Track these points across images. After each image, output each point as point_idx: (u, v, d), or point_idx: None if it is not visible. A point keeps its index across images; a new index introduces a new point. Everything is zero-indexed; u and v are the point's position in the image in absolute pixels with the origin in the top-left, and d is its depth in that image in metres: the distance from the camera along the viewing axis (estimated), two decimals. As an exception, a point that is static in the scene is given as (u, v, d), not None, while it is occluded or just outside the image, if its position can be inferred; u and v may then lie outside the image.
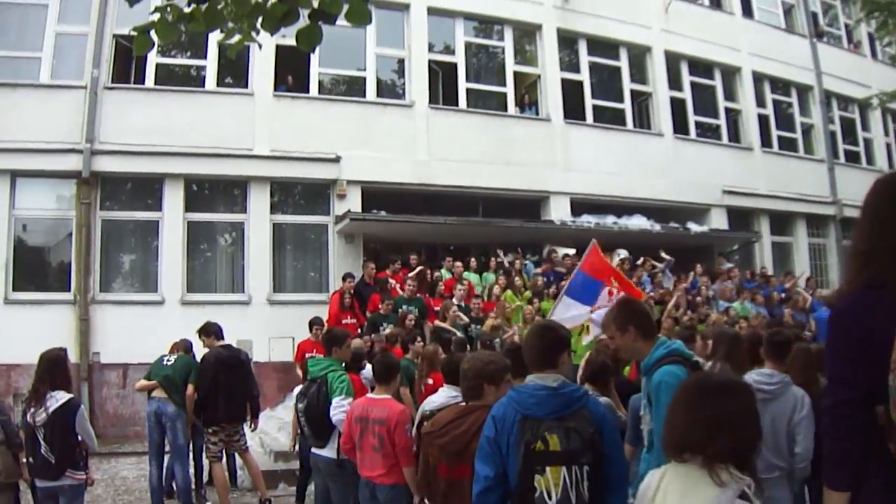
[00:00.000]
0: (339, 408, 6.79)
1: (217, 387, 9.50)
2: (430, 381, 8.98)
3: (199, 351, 10.23)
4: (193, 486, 10.24)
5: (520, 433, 3.81)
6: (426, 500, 5.40)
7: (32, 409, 6.55)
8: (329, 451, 7.04)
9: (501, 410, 3.97)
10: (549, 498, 3.72)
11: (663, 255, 16.98)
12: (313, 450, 7.33)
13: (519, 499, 3.79)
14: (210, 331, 9.96)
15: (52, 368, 6.69)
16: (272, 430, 13.30)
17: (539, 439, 3.75)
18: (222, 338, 10.02)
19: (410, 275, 14.76)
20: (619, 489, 4.01)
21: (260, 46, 4.98)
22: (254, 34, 4.69)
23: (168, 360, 9.91)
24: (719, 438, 2.80)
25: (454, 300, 14.04)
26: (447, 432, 4.79)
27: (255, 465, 10.10)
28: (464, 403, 6.01)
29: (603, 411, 4.13)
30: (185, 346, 10.39)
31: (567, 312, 10.25)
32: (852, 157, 24.57)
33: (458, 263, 15.61)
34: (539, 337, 4.18)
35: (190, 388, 9.67)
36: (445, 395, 6.21)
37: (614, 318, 4.73)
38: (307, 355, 11.27)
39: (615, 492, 3.97)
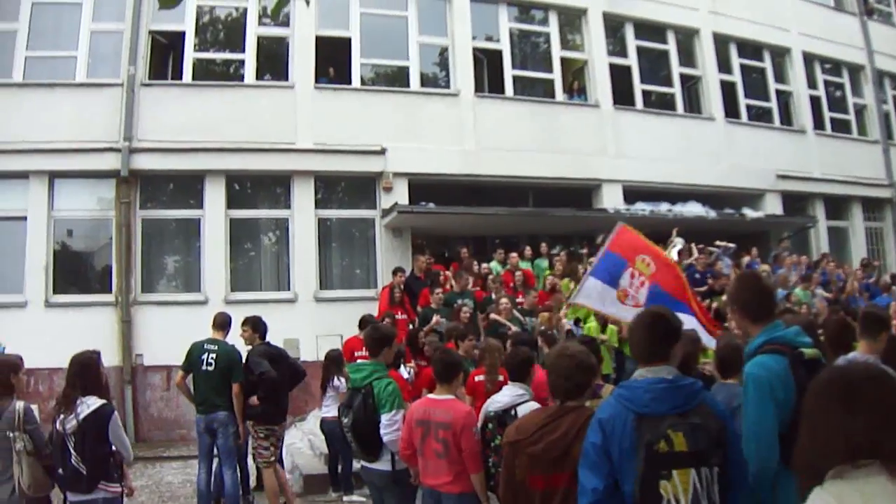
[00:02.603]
0: (391, 425, 6.22)
1: (269, 385, 9.11)
2: (501, 378, 8.50)
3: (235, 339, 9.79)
4: (241, 492, 9.88)
5: (636, 434, 3.32)
6: None
7: (62, 417, 6.09)
8: (383, 465, 6.45)
9: (608, 411, 3.50)
10: None
11: (719, 243, 16.46)
12: (363, 463, 6.73)
13: None
14: (256, 325, 9.61)
15: (83, 372, 6.20)
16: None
17: (662, 439, 3.28)
18: (265, 336, 9.67)
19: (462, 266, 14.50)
20: (744, 490, 3.54)
21: (308, 3, 4.50)
22: None
23: (209, 364, 9.36)
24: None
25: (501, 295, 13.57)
26: (540, 438, 4.15)
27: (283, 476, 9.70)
28: (533, 403, 5.57)
29: (721, 405, 3.68)
30: (221, 323, 9.80)
31: (593, 293, 9.70)
32: (907, 138, 23.84)
33: (514, 254, 15.21)
34: (648, 326, 3.70)
35: (236, 387, 9.20)
36: (511, 394, 5.79)
37: (728, 295, 4.24)
38: (356, 353, 10.95)
39: (741, 495, 3.51)
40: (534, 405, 5.47)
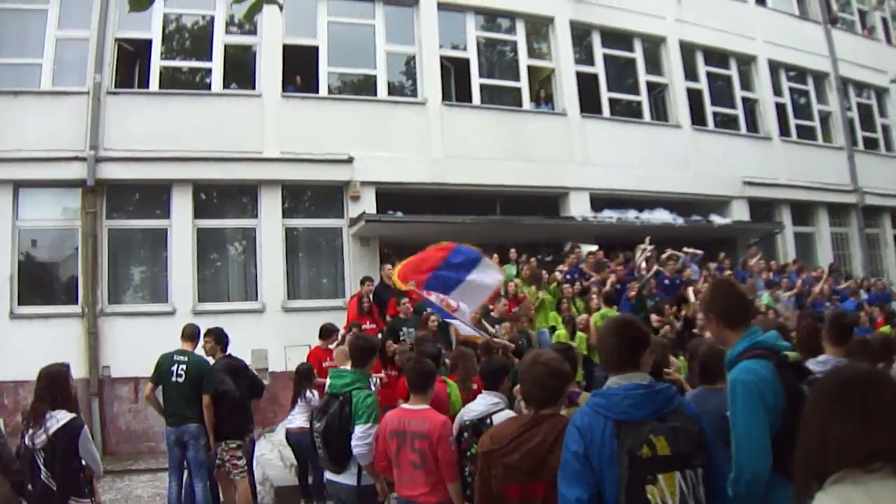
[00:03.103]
0: (363, 438, 6.09)
1: (236, 396, 9.13)
2: (475, 387, 8.51)
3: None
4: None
5: (617, 441, 3.30)
6: None
7: (31, 431, 6.02)
8: (348, 478, 6.33)
9: (586, 420, 3.45)
10: None
11: (687, 250, 16.56)
12: (328, 475, 6.61)
13: None
14: (219, 337, 9.56)
15: (52, 386, 6.15)
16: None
17: (644, 444, 3.26)
18: (227, 348, 9.59)
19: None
20: (725, 491, 3.56)
21: (281, 7, 4.48)
22: None
23: (178, 375, 9.30)
24: None
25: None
26: (516, 448, 4.08)
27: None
28: (508, 412, 5.57)
29: (694, 408, 3.67)
30: (190, 334, 9.75)
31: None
32: (871, 144, 24.25)
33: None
34: (617, 334, 3.68)
35: (206, 398, 9.12)
36: (486, 403, 5.74)
37: (703, 302, 4.27)
38: (324, 364, 10.94)
39: (724, 494, 3.54)
40: (509, 413, 5.44)
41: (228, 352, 9.59)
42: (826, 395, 2.37)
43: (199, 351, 9.57)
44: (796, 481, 2.36)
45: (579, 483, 3.37)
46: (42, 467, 5.96)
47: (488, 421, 5.52)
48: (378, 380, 10.80)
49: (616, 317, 4.16)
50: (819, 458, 2.27)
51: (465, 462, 5.63)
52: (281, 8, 4.64)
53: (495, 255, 15.36)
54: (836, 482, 2.19)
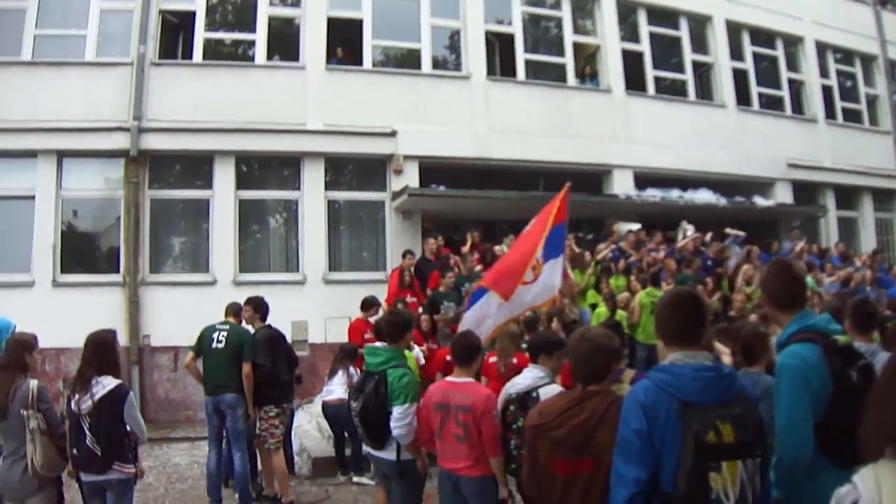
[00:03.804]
0: (403, 418, 5.96)
1: (275, 365, 9.17)
2: (515, 361, 8.47)
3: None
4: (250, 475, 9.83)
5: (681, 423, 3.19)
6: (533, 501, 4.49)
7: (77, 396, 6.00)
8: (388, 454, 6.24)
9: (651, 396, 3.31)
10: (727, 499, 3.15)
11: (730, 231, 16.40)
12: (368, 449, 6.56)
13: (686, 502, 3.16)
14: (258, 306, 9.54)
15: (99, 352, 6.12)
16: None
17: (711, 429, 3.16)
18: (266, 318, 9.57)
19: (465, 249, 14.37)
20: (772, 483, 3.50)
21: None
22: None
23: (219, 342, 9.30)
24: None
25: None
26: (563, 423, 3.99)
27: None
28: (555, 385, 5.49)
29: (753, 393, 3.60)
30: (234, 310, 9.79)
31: (545, 284, 9.58)
32: (919, 129, 23.68)
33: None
34: (678, 307, 3.57)
35: (246, 366, 9.12)
36: (532, 377, 5.70)
37: (762, 283, 4.22)
38: (365, 336, 10.92)
39: (772, 486, 3.49)
40: (556, 388, 5.38)
41: (268, 322, 9.57)
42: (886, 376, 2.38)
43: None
44: (869, 447, 2.32)
45: (639, 462, 3.26)
46: (87, 432, 5.94)
47: (534, 395, 5.52)
48: (421, 352, 10.78)
49: (679, 289, 4.05)
50: (872, 427, 2.30)
51: (511, 435, 5.62)
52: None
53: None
54: (888, 457, 2.20)
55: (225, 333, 9.27)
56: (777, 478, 3.66)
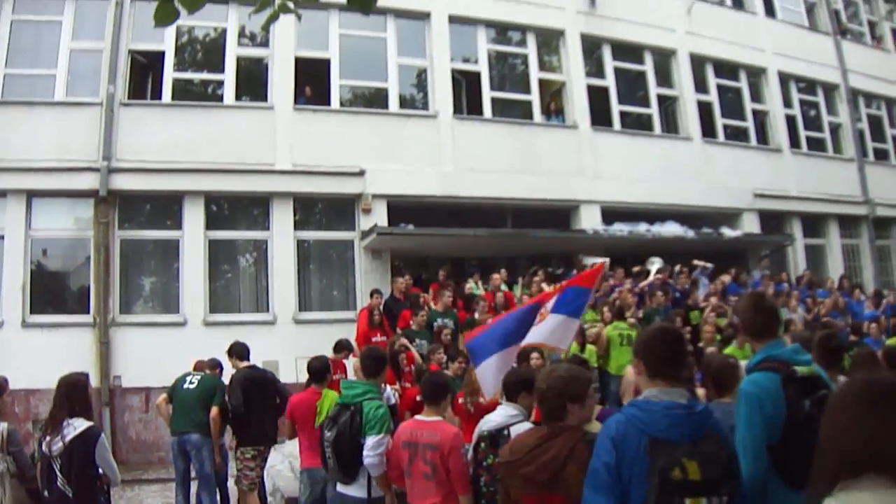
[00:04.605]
0: (375, 448, 6.07)
1: (251, 407, 9.17)
2: (482, 400, 8.56)
3: (228, 372, 9.95)
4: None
5: (649, 459, 3.29)
6: None
7: (48, 438, 6.07)
8: (357, 490, 6.30)
9: (622, 430, 3.41)
10: None
11: (697, 262, 16.58)
12: (338, 486, 6.53)
13: None
14: (233, 351, 9.67)
15: (71, 394, 6.20)
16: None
17: (677, 466, 3.26)
18: (247, 358, 9.67)
19: (441, 287, 14.46)
20: None
21: (299, 18, 4.50)
22: (290, 3, 4.18)
23: (191, 383, 9.44)
24: None
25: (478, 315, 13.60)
26: (532, 460, 4.11)
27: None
28: (527, 423, 5.57)
29: (727, 431, 3.67)
30: (212, 365, 9.95)
31: (550, 330, 9.63)
32: (881, 156, 24.16)
33: (496, 275, 15.08)
34: (668, 343, 3.67)
35: (214, 410, 9.27)
36: (505, 414, 5.69)
37: (740, 314, 4.42)
38: (334, 377, 10.97)
39: None
40: (528, 426, 5.38)
41: (252, 363, 9.67)
42: (846, 398, 2.37)
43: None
44: (811, 484, 2.36)
45: (607, 494, 3.34)
46: (59, 474, 5.99)
47: (506, 432, 5.49)
48: (394, 392, 10.85)
49: (664, 326, 4.19)
50: (828, 458, 2.29)
51: (482, 472, 5.61)
52: (299, 18, 4.65)
53: (504, 271, 15.42)
54: (842, 490, 2.20)
55: (199, 378, 9.47)
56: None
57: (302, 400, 8.33)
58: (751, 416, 3.94)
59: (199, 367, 10.13)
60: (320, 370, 8.45)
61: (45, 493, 6.09)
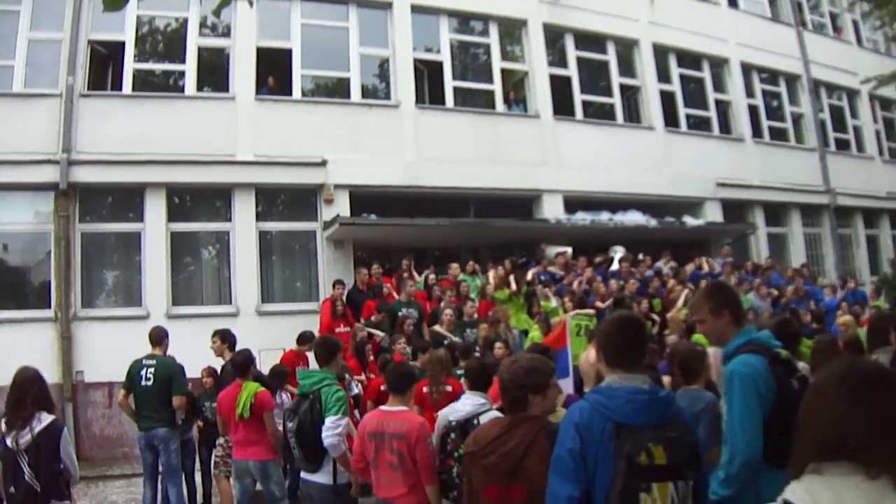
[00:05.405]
0: (333, 429, 6.19)
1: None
2: (449, 388, 8.62)
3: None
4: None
5: (615, 444, 3.30)
6: None
7: (15, 433, 5.95)
8: (323, 477, 6.40)
9: (585, 417, 3.42)
10: None
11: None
12: (303, 475, 6.67)
13: None
14: (225, 337, 10.12)
15: (33, 387, 6.10)
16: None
17: (643, 451, 3.27)
18: (235, 347, 9.89)
19: (405, 274, 14.51)
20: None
21: (251, 4, 4.49)
22: None
23: (147, 379, 9.34)
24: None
25: (443, 304, 13.66)
26: (493, 450, 4.16)
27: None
28: (494, 412, 5.59)
29: (689, 416, 3.76)
30: (158, 338, 9.79)
31: None
32: (843, 146, 24.50)
33: (454, 265, 15.22)
34: (627, 331, 3.68)
35: (177, 399, 9.28)
36: (472, 403, 5.77)
37: (708, 301, 4.35)
38: (297, 369, 10.96)
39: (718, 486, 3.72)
40: (495, 414, 5.40)
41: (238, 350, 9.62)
42: (828, 381, 2.38)
43: (172, 352, 9.77)
44: (792, 464, 2.36)
45: (572, 481, 3.35)
46: (26, 468, 5.90)
47: (475, 421, 5.53)
48: (359, 383, 10.86)
49: (624, 314, 4.20)
50: (804, 441, 2.31)
51: (452, 462, 5.67)
52: (251, 4, 4.64)
53: (471, 263, 15.46)
54: (810, 472, 2.23)
55: (152, 370, 9.33)
56: (727, 475, 3.93)
57: (227, 395, 8.39)
58: (746, 395, 3.97)
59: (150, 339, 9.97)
60: (242, 364, 8.53)
61: (12, 488, 5.99)
